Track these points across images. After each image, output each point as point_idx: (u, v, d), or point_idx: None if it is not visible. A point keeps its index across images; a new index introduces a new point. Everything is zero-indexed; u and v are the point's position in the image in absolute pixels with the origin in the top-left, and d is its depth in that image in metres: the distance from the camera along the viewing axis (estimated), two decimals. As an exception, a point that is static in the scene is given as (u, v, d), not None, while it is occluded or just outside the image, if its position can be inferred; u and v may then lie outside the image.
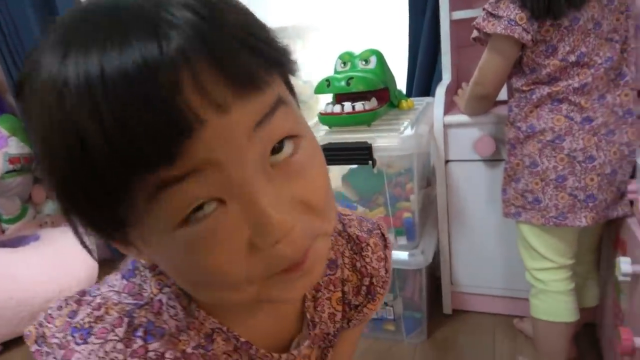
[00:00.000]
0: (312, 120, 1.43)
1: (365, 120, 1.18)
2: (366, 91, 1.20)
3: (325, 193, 0.33)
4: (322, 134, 1.25)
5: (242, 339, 0.41)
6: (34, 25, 1.79)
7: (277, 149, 0.31)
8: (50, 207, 2.31)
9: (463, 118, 1.21)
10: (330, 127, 1.25)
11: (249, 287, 0.31)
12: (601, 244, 1.13)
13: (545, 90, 0.90)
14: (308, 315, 0.44)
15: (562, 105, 0.91)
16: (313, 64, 1.50)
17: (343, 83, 1.15)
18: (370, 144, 1.10)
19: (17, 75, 1.96)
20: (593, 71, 0.88)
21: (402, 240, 1.21)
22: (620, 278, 0.86)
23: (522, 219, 0.99)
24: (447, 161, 1.27)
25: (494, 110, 1.19)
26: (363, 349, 1.31)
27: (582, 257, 1.08)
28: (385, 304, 1.28)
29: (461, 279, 1.36)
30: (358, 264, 0.47)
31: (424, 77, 1.57)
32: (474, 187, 1.26)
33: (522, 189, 0.98)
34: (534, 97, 0.92)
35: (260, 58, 0.29)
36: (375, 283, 0.48)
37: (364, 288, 0.48)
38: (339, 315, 0.47)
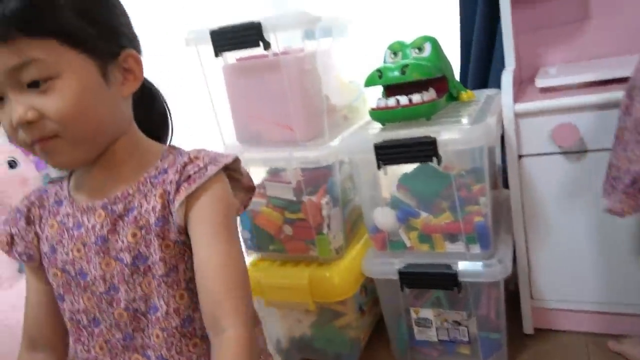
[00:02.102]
0: (363, 120, 1.31)
1: (424, 113, 1.04)
2: (423, 81, 1.06)
3: (63, 111, 0.52)
4: (375, 132, 1.11)
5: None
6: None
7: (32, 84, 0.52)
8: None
9: (537, 105, 1.05)
10: (383, 123, 1.11)
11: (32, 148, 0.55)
12: None
13: None
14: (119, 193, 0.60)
15: None
16: (356, 61, 1.37)
17: (397, 72, 1.01)
18: (435, 138, 0.96)
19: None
20: None
21: (475, 249, 1.05)
22: None
23: None
24: (520, 156, 1.10)
25: (575, 93, 1.03)
26: (434, 377, 1.14)
27: None
28: (459, 323, 1.12)
29: (543, 293, 1.18)
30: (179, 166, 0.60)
31: (479, 68, 1.42)
32: (554, 184, 1.09)
33: None
34: None
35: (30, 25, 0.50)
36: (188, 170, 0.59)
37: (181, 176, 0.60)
38: (158, 207, 0.58)
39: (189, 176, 0.58)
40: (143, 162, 0.61)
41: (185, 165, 0.59)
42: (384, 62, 1.16)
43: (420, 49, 1.11)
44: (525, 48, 1.35)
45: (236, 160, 0.62)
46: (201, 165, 0.59)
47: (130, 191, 0.59)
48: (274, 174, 1.24)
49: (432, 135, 0.97)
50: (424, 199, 1.15)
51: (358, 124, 1.29)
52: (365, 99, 1.41)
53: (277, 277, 1.18)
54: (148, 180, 0.60)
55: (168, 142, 0.71)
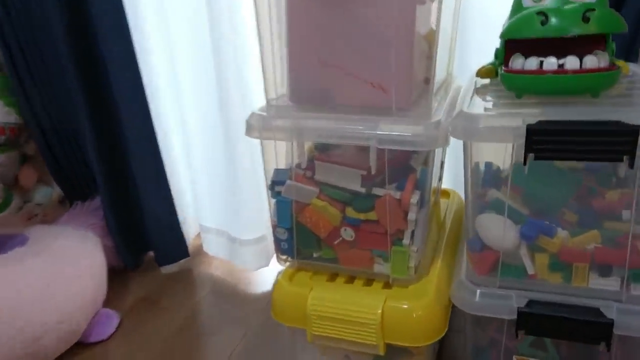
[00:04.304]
0: (455, 84, 0.95)
1: (597, 85, 0.69)
2: (582, 39, 0.71)
3: None
4: (494, 106, 0.76)
5: None
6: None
7: None
8: (43, 193, 1.79)
9: None
10: (519, 95, 0.76)
11: None
12: None
13: None
14: None
15: None
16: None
17: (574, 19, 0.65)
18: (638, 127, 0.62)
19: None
20: None
21: (638, 290, 0.74)
22: None
23: None
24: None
25: None
26: None
27: None
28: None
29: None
30: None
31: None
32: None
33: None
34: None
35: None
36: None
37: None
38: None
39: None
40: None
41: None
42: (519, 3, 0.79)
43: (582, -11, 0.75)
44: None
45: None
46: None
47: None
48: (325, 150, 0.87)
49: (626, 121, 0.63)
50: (544, 208, 0.82)
51: (452, 88, 0.93)
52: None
53: (331, 303, 0.82)
54: None
55: None
